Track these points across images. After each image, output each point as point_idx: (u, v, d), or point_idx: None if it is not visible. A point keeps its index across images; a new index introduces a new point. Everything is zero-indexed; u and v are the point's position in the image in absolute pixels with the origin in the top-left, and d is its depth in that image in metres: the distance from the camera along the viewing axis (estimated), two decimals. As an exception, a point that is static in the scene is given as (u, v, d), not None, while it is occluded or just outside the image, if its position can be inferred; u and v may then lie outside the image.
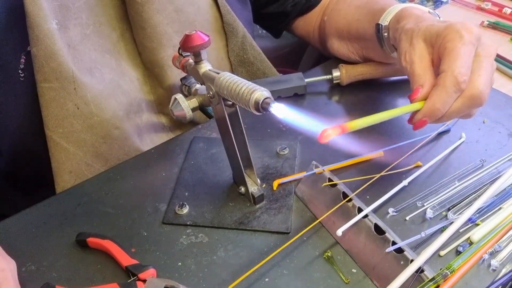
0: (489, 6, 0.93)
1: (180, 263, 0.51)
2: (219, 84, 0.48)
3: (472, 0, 0.96)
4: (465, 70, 0.49)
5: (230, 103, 0.51)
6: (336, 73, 0.72)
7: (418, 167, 0.58)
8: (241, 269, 0.49)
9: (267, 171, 0.60)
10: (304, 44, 1.09)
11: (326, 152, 0.61)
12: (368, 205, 0.50)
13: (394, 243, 0.46)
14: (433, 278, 0.44)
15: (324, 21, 0.78)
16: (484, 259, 0.48)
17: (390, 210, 0.54)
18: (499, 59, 0.77)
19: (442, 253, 0.49)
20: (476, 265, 0.48)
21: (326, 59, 0.81)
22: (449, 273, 0.45)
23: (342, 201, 0.51)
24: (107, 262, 0.51)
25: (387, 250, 0.46)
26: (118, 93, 0.66)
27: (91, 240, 0.52)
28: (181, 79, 0.61)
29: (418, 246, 0.50)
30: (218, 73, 0.49)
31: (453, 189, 0.55)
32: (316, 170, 0.55)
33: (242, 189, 0.57)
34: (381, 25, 0.62)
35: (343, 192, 0.51)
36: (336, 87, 0.74)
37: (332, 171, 0.56)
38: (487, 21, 0.88)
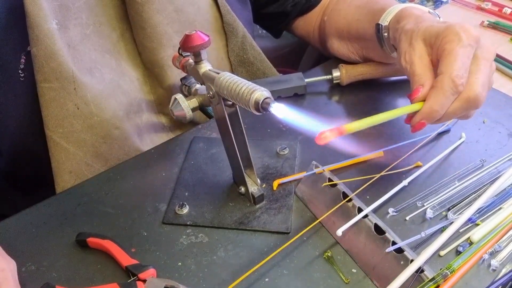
0: (489, 6, 0.93)
1: (180, 263, 0.51)
2: (219, 84, 0.48)
3: (472, 0, 0.96)
4: (462, 73, 0.49)
5: (230, 103, 0.51)
6: (336, 73, 0.72)
7: (418, 167, 0.58)
8: (241, 269, 0.49)
9: (267, 171, 0.60)
10: (304, 44, 1.09)
11: (326, 152, 0.61)
12: (368, 205, 0.50)
13: (394, 243, 0.46)
14: (433, 278, 0.44)
15: (324, 21, 0.78)
16: (484, 259, 0.48)
17: (390, 210, 0.54)
18: (499, 59, 0.77)
19: (442, 253, 0.49)
20: (476, 265, 0.48)
21: (326, 59, 0.81)
22: (449, 273, 0.45)
23: (342, 201, 0.51)
24: (107, 262, 0.51)
25: (387, 250, 0.46)
26: (118, 93, 0.66)
27: (91, 240, 0.52)
28: (181, 79, 0.61)
29: (418, 246, 0.50)
30: (218, 73, 0.49)
31: (453, 189, 0.55)
32: (316, 170, 0.55)
33: (242, 189, 0.57)
34: (381, 25, 0.62)
35: (343, 192, 0.51)
36: (336, 87, 0.74)
37: (332, 171, 0.56)
38: (487, 21, 0.88)
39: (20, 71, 0.60)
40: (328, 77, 0.73)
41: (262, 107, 0.44)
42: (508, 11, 0.90)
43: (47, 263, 0.51)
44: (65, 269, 0.51)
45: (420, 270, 0.45)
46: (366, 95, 0.72)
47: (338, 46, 0.76)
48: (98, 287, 0.48)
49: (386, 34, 0.62)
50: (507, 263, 0.48)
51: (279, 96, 0.72)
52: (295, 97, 0.73)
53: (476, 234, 0.50)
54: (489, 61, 0.51)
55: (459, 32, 0.50)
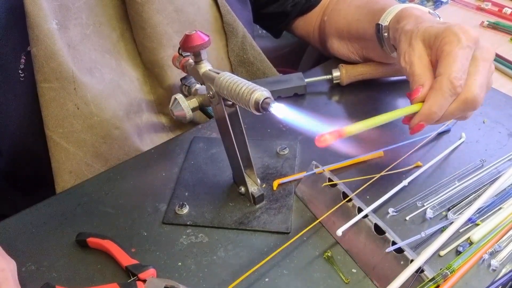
0: (489, 6, 0.93)
1: (180, 263, 0.51)
2: (219, 84, 0.48)
3: (472, 0, 0.96)
4: (461, 74, 0.49)
5: (230, 103, 0.51)
6: (336, 73, 0.72)
7: (418, 167, 0.58)
8: (241, 269, 0.49)
9: (267, 171, 0.60)
10: (304, 44, 1.09)
11: (326, 152, 0.60)
12: (368, 205, 0.50)
13: (394, 243, 0.46)
14: (433, 278, 0.44)
15: (324, 21, 0.78)
16: (484, 259, 0.48)
17: (390, 210, 0.54)
18: (499, 59, 0.77)
19: (442, 253, 0.49)
20: (476, 265, 0.48)
21: (326, 59, 0.81)
22: (449, 273, 0.45)
23: (342, 201, 0.51)
24: (107, 262, 0.51)
25: (387, 250, 0.46)
26: (118, 93, 0.66)
27: (91, 240, 0.52)
28: (181, 79, 0.61)
29: (418, 246, 0.50)
30: (218, 73, 0.49)
31: (453, 189, 0.55)
32: (316, 170, 0.55)
33: (242, 189, 0.57)
34: (381, 25, 0.62)
35: (343, 192, 0.51)
36: (336, 87, 0.74)
37: (332, 171, 0.56)
38: (487, 21, 0.88)
39: (20, 71, 0.60)
40: (328, 77, 0.73)
41: (262, 107, 0.44)
42: (508, 11, 0.90)
43: (47, 263, 0.51)
44: (65, 269, 0.51)
45: (420, 270, 0.45)
46: (366, 95, 0.72)
47: (338, 46, 0.76)
48: (98, 287, 0.48)
49: (386, 34, 0.62)
50: (507, 263, 0.48)
51: (279, 96, 0.72)
52: (295, 97, 0.73)
53: (476, 234, 0.50)
54: (488, 62, 0.51)
55: (458, 33, 0.50)
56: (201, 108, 0.58)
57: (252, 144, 0.58)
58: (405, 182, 0.55)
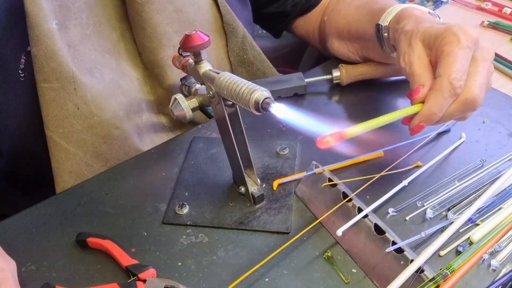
0: (489, 6, 0.93)
1: (180, 263, 0.51)
2: (219, 84, 0.48)
3: (472, 0, 0.96)
4: (461, 75, 0.49)
5: (230, 103, 0.51)
6: (336, 73, 0.72)
7: (418, 167, 0.58)
8: (241, 269, 0.49)
9: (267, 171, 0.60)
10: (304, 44, 1.09)
11: (326, 152, 0.60)
12: (368, 205, 0.50)
13: (394, 243, 0.46)
14: (433, 278, 0.44)
15: (324, 21, 0.78)
16: (484, 259, 0.48)
17: (390, 210, 0.54)
18: (499, 59, 0.77)
19: (442, 253, 0.49)
20: (476, 265, 0.48)
21: (326, 59, 0.81)
22: (449, 273, 0.45)
23: (342, 201, 0.51)
24: (107, 262, 0.51)
25: (387, 250, 0.46)
26: (118, 93, 0.66)
27: (91, 240, 0.52)
28: (181, 79, 0.61)
29: (418, 246, 0.50)
30: (218, 73, 0.49)
31: (453, 189, 0.55)
32: (316, 170, 0.55)
33: (242, 189, 0.57)
34: (381, 26, 0.62)
35: (343, 192, 0.51)
36: (336, 87, 0.74)
37: (332, 171, 0.56)
38: (487, 21, 0.88)
39: (20, 71, 0.60)
40: (328, 77, 0.73)
41: (262, 107, 0.44)
42: (508, 11, 0.90)
43: (47, 263, 0.51)
44: (65, 269, 0.51)
45: (420, 270, 0.45)
46: (366, 95, 0.72)
47: (338, 46, 0.76)
48: (98, 287, 0.48)
49: (386, 34, 0.62)
50: (507, 263, 0.48)
51: (279, 96, 0.72)
52: (295, 97, 0.73)
53: (476, 234, 0.50)
54: (488, 62, 0.51)
55: (458, 34, 0.50)
56: (201, 108, 0.58)
57: (252, 144, 0.58)
58: (405, 182, 0.55)
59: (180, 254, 0.51)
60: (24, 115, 0.62)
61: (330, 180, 0.53)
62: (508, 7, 0.91)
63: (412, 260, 0.45)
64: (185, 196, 0.58)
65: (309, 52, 1.10)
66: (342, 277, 0.48)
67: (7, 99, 0.61)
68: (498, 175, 0.55)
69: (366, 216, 0.49)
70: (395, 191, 0.54)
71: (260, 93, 0.44)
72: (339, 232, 0.47)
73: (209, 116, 0.71)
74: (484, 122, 0.65)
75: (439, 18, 0.62)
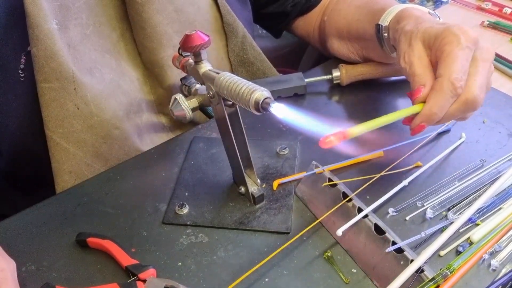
0: (489, 6, 0.93)
1: (180, 263, 0.51)
2: (219, 84, 0.48)
3: (472, 0, 0.96)
4: (461, 75, 0.49)
5: (230, 103, 0.51)
6: (336, 73, 0.72)
7: (418, 167, 0.58)
8: (241, 269, 0.49)
9: (267, 171, 0.60)
10: (304, 44, 1.09)
11: (326, 152, 0.60)
12: (368, 205, 0.50)
13: (394, 243, 0.46)
14: (433, 278, 0.44)
15: (324, 21, 0.78)
16: (484, 259, 0.48)
17: (390, 210, 0.54)
18: (499, 59, 0.77)
19: (442, 253, 0.49)
20: (476, 265, 0.48)
21: (326, 59, 0.81)
22: (449, 273, 0.45)
23: (342, 201, 0.51)
24: (107, 262, 0.51)
25: (387, 250, 0.46)
26: (118, 93, 0.66)
27: (91, 240, 0.52)
28: (181, 79, 0.61)
29: (418, 246, 0.50)
30: (218, 73, 0.49)
31: (453, 189, 0.55)
32: (316, 170, 0.55)
33: (242, 189, 0.57)
34: (381, 26, 0.62)
35: (343, 192, 0.51)
36: (336, 87, 0.74)
37: (332, 171, 0.56)
38: (487, 21, 0.88)
39: (20, 71, 0.60)
40: (328, 77, 0.73)
41: (262, 107, 0.44)
42: (508, 11, 0.90)
43: (47, 263, 0.51)
44: (65, 269, 0.51)
45: (420, 270, 0.45)
46: (366, 95, 0.72)
47: (338, 46, 0.76)
48: (98, 287, 0.48)
49: (386, 34, 0.62)
50: (507, 263, 0.48)
51: (279, 96, 0.72)
52: (295, 97, 0.73)
53: (476, 234, 0.50)
54: (488, 62, 0.51)
55: (457, 34, 0.50)
56: (201, 108, 0.58)
57: (252, 144, 0.58)
58: (405, 182, 0.55)
59: (180, 254, 0.51)
60: (24, 115, 0.62)
61: (330, 180, 0.53)
62: (508, 7, 0.91)
63: (412, 260, 0.45)
64: (185, 196, 0.58)
65: (309, 52, 1.10)
66: (342, 277, 0.48)
67: (7, 99, 0.61)
68: (498, 175, 0.55)
69: (366, 216, 0.49)
70: (395, 191, 0.54)
71: (260, 93, 0.44)
72: (339, 232, 0.47)
73: (209, 116, 0.71)
74: (484, 122, 0.65)
75: (439, 18, 0.62)
